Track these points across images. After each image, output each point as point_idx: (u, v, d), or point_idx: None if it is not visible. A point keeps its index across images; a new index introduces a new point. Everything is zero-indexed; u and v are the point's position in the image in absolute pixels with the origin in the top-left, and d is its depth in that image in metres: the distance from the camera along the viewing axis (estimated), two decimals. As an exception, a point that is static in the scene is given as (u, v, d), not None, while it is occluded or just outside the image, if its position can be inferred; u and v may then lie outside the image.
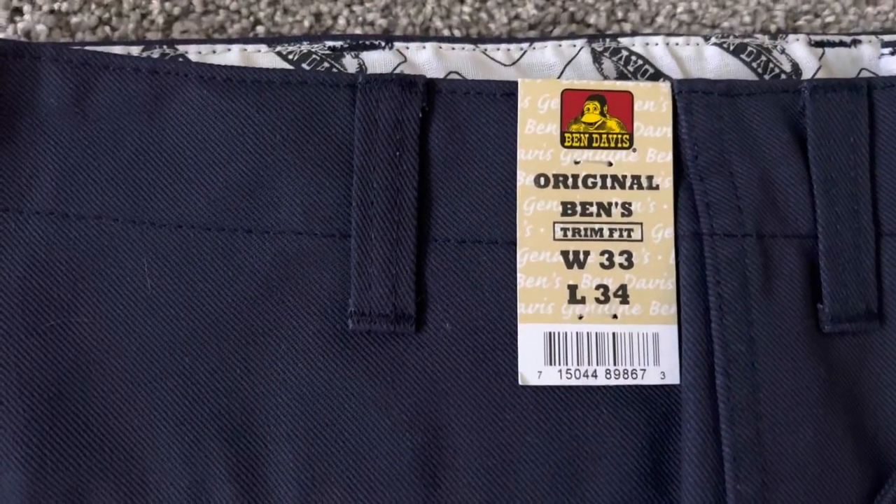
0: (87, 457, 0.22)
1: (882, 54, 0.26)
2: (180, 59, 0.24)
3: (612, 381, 0.23)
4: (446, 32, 0.27)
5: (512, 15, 0.28)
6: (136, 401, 0.23)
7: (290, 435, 0.23)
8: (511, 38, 0.26)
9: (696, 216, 0.23)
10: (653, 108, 0.24)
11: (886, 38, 0.26)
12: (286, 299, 0.23)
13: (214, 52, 0.25)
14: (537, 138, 0.23)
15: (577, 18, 0.28)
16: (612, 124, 0.24)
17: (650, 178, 0.23)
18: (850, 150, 0.24)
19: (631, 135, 0.24)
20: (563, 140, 0.23)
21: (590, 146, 0.23)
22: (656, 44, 0.25)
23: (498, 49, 0.25)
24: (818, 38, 0.26)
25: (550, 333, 0.23)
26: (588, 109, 0.24)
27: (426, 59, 0.24)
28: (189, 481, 0.22)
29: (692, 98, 0.24)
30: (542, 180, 0.23)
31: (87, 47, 0.24)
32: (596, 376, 0.23)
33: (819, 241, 0.23)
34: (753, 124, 0.24)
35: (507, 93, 0.23)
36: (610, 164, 0.23)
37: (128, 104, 0.24)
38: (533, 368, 0.23)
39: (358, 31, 0.27)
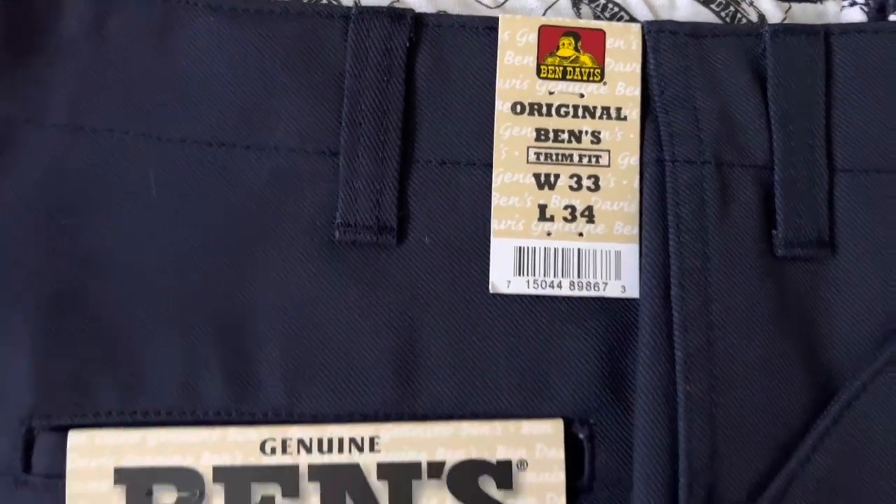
0: (90, 348, 0.25)
1: (843, 6, 0.28)
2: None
3: (576, 293, 0.25)
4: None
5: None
6: (138, 299, 0.25)
7: (279, 335, 0.25)
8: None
9: (660, 145, 0.25)
10: (623, 46, 0.26)
11: None
12: (279, 211, 0.25)
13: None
14: (515, 69, 0.25)
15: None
16: (586, 59, 0.26)
17: (619, 109, 0.25)
18: (806, 90, 0.26)
19: (602, 69, 0.25)
20: (538, 71, 0.25)
21: (563, 78, 0.25)
22: (631, -5, 0.27)
23: (484, -7, 0.27)
24: None
25: (520, 247, 0.25)
26: (563, 44, 0.25)
27: (417, 1, 0.26)
28: (182, 376, 0.25)
29: (660, 38, 0.26)
30: (519, 108, 0.25)
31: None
32: (561, 287, 0.25)
33: (775, 171, 0.25)
34: (717, 63, 0.26)
35: (489, 27, 0.25)
36: (582, 95, 0.25)
37: (141, 29, 0.26)
38: (503, 278, 0.25)
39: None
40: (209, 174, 0.25)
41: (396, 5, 0.27)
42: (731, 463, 0.24)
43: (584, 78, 0.25)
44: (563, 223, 0.25)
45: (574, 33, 0.26)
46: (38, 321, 0.25)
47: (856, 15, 0.27)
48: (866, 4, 0.27)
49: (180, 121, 0.25)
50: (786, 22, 0.28)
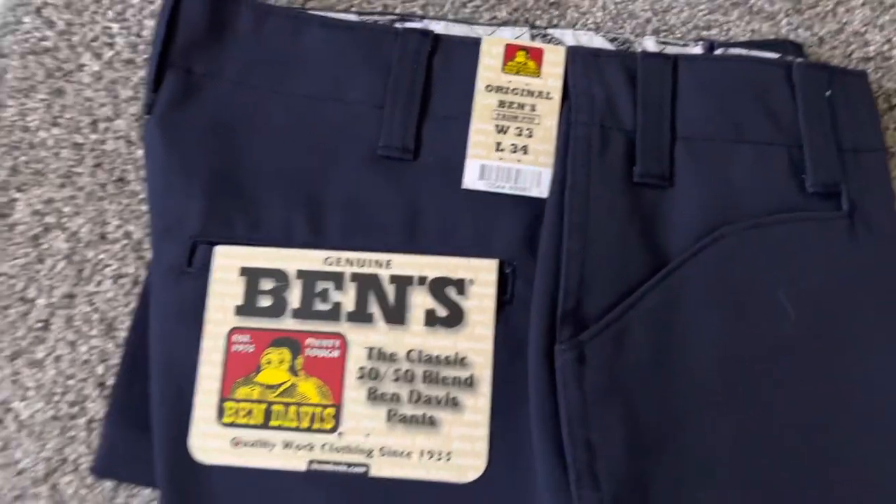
0: (234, 203, 0.42)
1: (694, 47, 0.46)
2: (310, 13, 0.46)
3: (514, 192, 0.42)
4: (451, 16, 0.49)
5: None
6: (263, 177, 0.43)
7: (340, 204, 0.42)
8: (489, 24, 0.47)
9: (569, 115, 0.43)
10: (554, 59, 0.44)
11: (707, 41, 0.46)
12: (350, 136, 0.43)
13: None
14: (490, 66, 0.44)
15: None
16: (531, 64, 0.44)
17: (548, 93, 0.44)
18: (659, 88, 0.44)
19: (540, 70, 0.44)
20: (503, 69, 0.44)
21: (517, 74, 0.44)
22: (566, 34, 0.46)
23: (479, 27, 0.47)
24: (664, 39, 0.47)
25: (483, 165, 0.43)
26: (518, 55, 0.44)
27: (439, 27, 0.46)
28: (283, 223, 0.42)
29: (576, 55, 0.44)
30: (489, 88, 0.44)
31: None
32: (504, 188, 0.42)
33: (637, 133, 0.43)
34: (607, 72, 0.44)
35: (476, 43, 0.44)
36: (527, 84, 0.44)
37: (283, 30, 0.45)
38: (472, 180, 0.42)
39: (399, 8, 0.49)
40: (310, 114, 0.44)
41: (422, 27, 0.46)
42: (592, 291, 0.40)
43: (529, 74, 0.44)
44: (509, 153, 0.43)
45: (526, 49, 0.44)
46: (204, 186, 0.43)
47: (697, 51, 0.46)
48: (706, 47, 0.46)
49: (297, 83, 0.44)
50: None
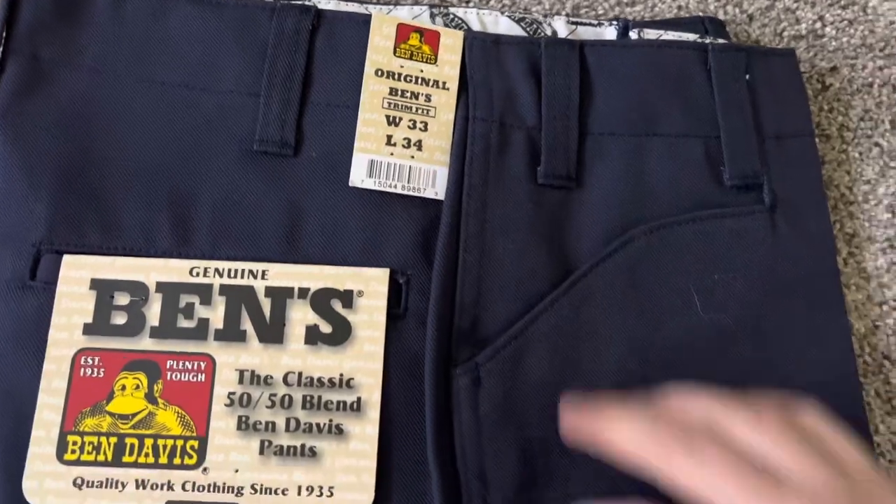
0: (86, 204, 0.37)
1: (605, 27, 0.43)
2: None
3: (406, 192, 0.38)
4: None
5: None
6: (121, 177, 0.37)
7: (209, 207, 0.37)
8: (382, 2, 0.43)
9: (467, 109, 0.39)
10: (451, 44, 0.40)
11: (622, 21, 0.43)
12: (221, 130, 0.38)
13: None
14: (380, 48, 0.39)
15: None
16: (426, 48, 0.40)
17: (444, 83, 0.39)
18: (565, 79, 0.40)
19: (437, 56, 0.40)
20: (394, 52, 0.39)
21: (410, 59, 0.40)
22: (470, 13, 0.42)
23: (373, 6, 0.42)
24: (576, 19, 0.43)
25: (372, 160, 0.38)
26: (412, 37, 0.40)
27: (325, 3, 0.41)
28: (144, 228, 0.37)
29: (474, 42, 0.40)
30: (379, 73, 0.39)
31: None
32: (396, 188, 0.38)
33: (542, 131, 0.39)
34: (507, 60, 0.40)
35: (365, 21, 0.40)
36: (421, 70, 0.39)
37: (144, 10, 0.39)
38: (359, 178, 0.38)
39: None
40: (177, 105, 0.39)
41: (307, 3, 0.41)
42: (490, 307, 0.36)
43: (424, 60, 0.40)
44: (401, 149, 0.38)
45: (420, 31, 0.40)
46: (52, 186, 0.37)
47: (611, 32, 0.42)
48: (620, 27, 0.42)
49: (162, 70, 0.39)
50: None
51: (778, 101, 0.42)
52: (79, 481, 0.33)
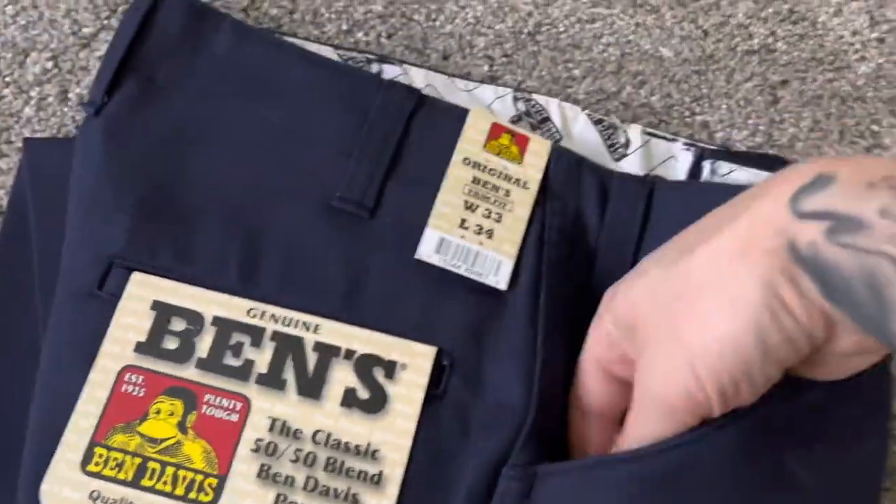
0: (163, 227, 0.38)
1: (681, 149, 0.44)
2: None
3: (468, 275, 0.38)
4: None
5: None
6: (206, 196, 0.39)
7: (281, 254, 0.38)
8: (467, 77, 0.45)
9: (543, 212, 0.40)
10: (538, 149, 0.41)
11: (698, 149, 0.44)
12: (306, 180, 0.39)
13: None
14: (472, 140, 0.41)
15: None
16: (514, 149, 0.41)
17: (525, 182, 0.41)
18: (630, 213, 0.41)
19: (522, 158, 0.41)
20: (484, 146, 0.41)
21: (498, 155, 0.41)
22: (552, 102, 0.44)
23: (459, 81, 0.44)
24: (652, 130, 0.44)
25: (443, 238, 0.39)
26: (503, 136, 0.41)
27: (419, 76, 0.43)
28: (215, 262, 0.38)
29: (561, 156, 0.41)
30: (467, 161, 0.41)
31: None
32: (459, 269, 0.38)
33: (596, 255, 0.40)
34: (584, 181, 0.41)
35: (462, 115, 0.41)
36: (506, 167, 0.41)
37: (259, 53, 0.42)
38: (427, 252, 0.39)
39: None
40: (273, 144, 0.40)
41: (403, 76, 0.44)
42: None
43: (510, 159, 0.41)
44: (473, 234, 0.39)
45: (512, 133, 0.41)
46: (138, 202, 0.39)
47: (683, 154, 0.44)
48: (694, 156, 0.44)
49: (266, 109, 0.40)
50: (640, 151, 0.44)
51: None
52: (95, 494, 0.33)
